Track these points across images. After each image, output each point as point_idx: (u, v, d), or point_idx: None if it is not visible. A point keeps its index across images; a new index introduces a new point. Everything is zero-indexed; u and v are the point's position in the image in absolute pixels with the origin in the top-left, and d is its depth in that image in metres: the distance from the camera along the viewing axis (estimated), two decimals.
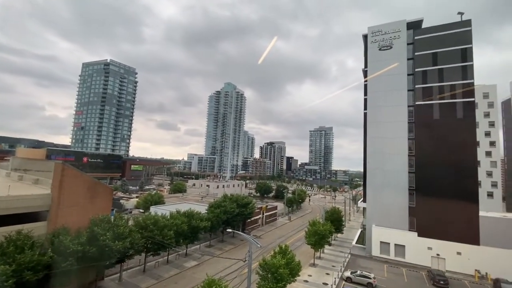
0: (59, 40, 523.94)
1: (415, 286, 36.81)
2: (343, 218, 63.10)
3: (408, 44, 51.45)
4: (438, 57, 48.55)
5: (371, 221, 50.05)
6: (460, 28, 47.15)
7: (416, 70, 50.00)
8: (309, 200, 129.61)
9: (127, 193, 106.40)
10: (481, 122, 67.43)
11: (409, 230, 46.66)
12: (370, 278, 35.71)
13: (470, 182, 43.72)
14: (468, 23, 46.79)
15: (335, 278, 36.35)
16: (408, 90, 50.30)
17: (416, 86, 49.59)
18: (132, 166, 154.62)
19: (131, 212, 68.91)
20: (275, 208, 79.09)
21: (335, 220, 55.12)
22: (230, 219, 50.27)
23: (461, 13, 47.88)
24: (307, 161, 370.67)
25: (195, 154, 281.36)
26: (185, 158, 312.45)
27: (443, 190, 44.80)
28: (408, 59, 51.11)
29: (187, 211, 43.36)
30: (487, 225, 41.91)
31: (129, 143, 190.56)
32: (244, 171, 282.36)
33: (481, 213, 43.00)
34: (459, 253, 42.20)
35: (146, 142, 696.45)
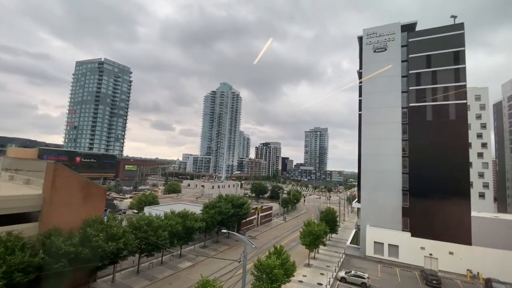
0: (52, 38, 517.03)
1: (408, 286, 37.19)
2: (338, 219, 63.42)
3: (402, 46, 52.07)
4: (432, 59, 49.25)
5: (365, 221, 50.44)
6: (453, 31, 47.90)
7: (410, 72, 50.63)
8: (304, 200, 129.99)
9: (121, 194, 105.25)
10: (473, 124, 68.50)
11: (403, 230, 47.16)
12: (364, 278, 35.97)
13: (462, 183, 44.40)
14: (461, 26, 47.56)
15: (329, 278, 36.51)
16: (402, 92, 50.89)
17: (410, 88, 50.21)
18: (126, 166, 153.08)
19: (124, 213, 68.17)
20: (270, 208, 79.11)
21: (330, 221, 55.34)
22: (225, 219, 50.11)
23: (454, 16, 48.64)
24: (302, 161, 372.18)
25: (190, 154, 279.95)
26: (180, 158, 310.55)
27: (436, 191, 45.40)
28: (402, 61, 51.72)
29: (182, 211, 43.06)
30: (479, 225, 42.59)
31: (123, 143, 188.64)
32: (239, 172, 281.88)
33: (473, 214, 43.68)
34: (451, 253, 42.80)
35: (140, 142, 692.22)
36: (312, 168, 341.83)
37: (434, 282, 36.69)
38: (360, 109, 54.98)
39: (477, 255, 41.11)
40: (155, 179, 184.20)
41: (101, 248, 25.81)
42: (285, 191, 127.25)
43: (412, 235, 45.84)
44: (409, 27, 52.45)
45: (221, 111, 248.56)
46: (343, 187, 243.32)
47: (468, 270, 41.25)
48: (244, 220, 59.72)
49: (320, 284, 35.56)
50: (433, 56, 49.16)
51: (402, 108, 50.56)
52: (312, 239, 41.55)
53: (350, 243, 54.52)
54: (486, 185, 67.24)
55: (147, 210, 55.16)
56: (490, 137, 72.96)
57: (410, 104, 49.78)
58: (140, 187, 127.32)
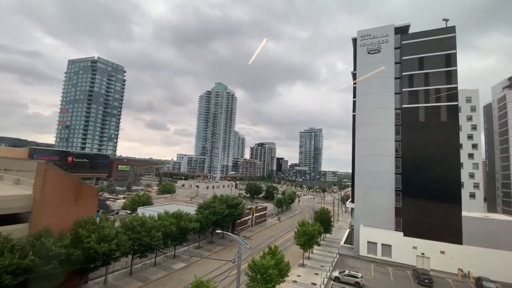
0: (44, 35, 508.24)
1: (401, 285, 37.62)
2: (332, 219, 63.81)
3: (395, 48, 52.71)
4: (424, 61, 49.99)
5: (359, 221, 50.86)
6: (445, 34, 48.69)
7: (403, 74, 51.28)
8: (299, 200, 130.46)
9: (114, 194, 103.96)
10: (464, 125, 69.71)
11: (396, 230, 47.70)
12: (357, 278, 36.24)
13: (453, 183, 45.15)
14: (452, 29, 48.38)
15: (323, 278, 36.69)
16: (395, 93, 51.52)
17: (403, 90, 50.85)
18: (119, 166, 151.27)
19: (117, 213, 67.40)
20: (265, 208, 79.16)
21: (324, 221, 55.63)
22: (220, 220, 49.93)
23: (446, 20, 49.45)
24: (297, 162, 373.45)
25: (185, 155, 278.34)
26: (175, 159, 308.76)
27: (428, 191, 46.06)
28: (396, 63, 52.36)
29: (176, 212, 42.75)
30: (470, 225, 43.36)
31: (116, 143, 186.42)
32: (234, 172, 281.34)
33: (464, 213, 44.46)
34: (442, 252, 43.46)
35: (134, 142, 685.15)
36: (306, 168, 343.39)
37: (426, 281, 37.20)
38: (354, 110, 55.46)
39: (468, 254, 41.83)
40: (149, 180, 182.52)
41: (93, 250, 25.44)
42: (279, 191, 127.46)
43: (405, 235, 46.40)
44: (402, 30, 53.14)
45: (216, 111, 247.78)
46: (337, 187, 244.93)
47: (459, 269, 41.93)
48: (238, 221, 59.61)
49: (314, 284, 35.70)
50: (425, 58, 49.90)
51: (395, 109, 51.17)
52: (307, 239, 41.71)
53: (344, 243, 54.89)
54: (476, 186, 68.51)
55: (140, 210, 54.60)
56: (481, 138, 74.35)
57: (403, 106, 50.42)
58: (133, 188, 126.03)
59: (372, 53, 54.32)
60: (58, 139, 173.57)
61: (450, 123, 46.51)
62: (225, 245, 50.95)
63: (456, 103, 46.79)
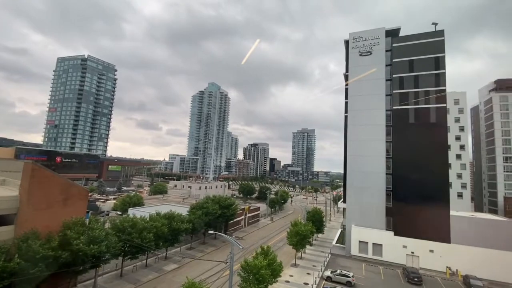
0: (31, 32, 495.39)
1: (391, 284, 38.19)
2: (324, 219, 64.36)
3: (386, 50, 53.55)
4: (414, 64, 50.98)
5: (351, 221, 51.40)
6: (434, 37, 49.79)
7: (394, 76, 52.16)
8: (291, 201, 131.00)
9: (104, 195, 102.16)
10: (452, 126, 71.34)
11: (386, 230, 48.42)
12: (349, 277, 36.62)
13: (442, 183, 46.14)
14: (441, 33, 49.50)
15: (315, 277, 36.91)
16: (386, 95, 52.35)
17: (394, 91, 51.70)
18: (109, 166, 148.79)
19: (108, 215, 66.24)
20: (258, 209, 79.18)
21: (316, 221, 56.07)
22: (212, 220, 49.69)
23: (435, 24, 50.57)
24: (290, 162, 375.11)
25: (177, 155, 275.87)
26: (167, 159, 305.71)
27: (417, 191, 46.94)
28: (387, 65, 53.20)
29: (168, 213, 42.33)
30: (457, 224, 44.40)
31: (107, 143, 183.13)
32: (227, 172, 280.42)
33: (451, 213, 45.47)
34: (431, 251, 44.34)
35: (125, 141, 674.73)
36: (299, 168, 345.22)
37: (416, 279, 37.90)
38: (346, 111, 56.05)
39: (456, 253, 42.79)
40: (140, 180, 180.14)
41: (82, 252, 24.90)
42: (272, 192, 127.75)
43: (395, 234, 47.15)
44: (393, 33, 54.07)
45: (209, 111, 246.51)
46: (330, 188, 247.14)
47: (447, 267, 42.86)
48: (231, 221, 59.41)
49: (306, 283, 35.89)
50: (415, 61, 50.90)
51: (386, 110, 51.99)
52: (299, 239, 41.91)
53: (336, 243, 55.35)
54: (464, 186, 70.17)
55: (131, 211, 53.86)
56: (468, 139, 76.18)
57: (394, 107, 51.27)
58: (124, 188, 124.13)
59: (364, 55, 55.05)
60: (46, 139, 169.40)
61: (439, 124, 47.54)
62: (218, 246, 50.70)
63: (444, 105, 47.85)
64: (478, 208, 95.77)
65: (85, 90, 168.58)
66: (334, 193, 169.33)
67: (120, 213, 63.04)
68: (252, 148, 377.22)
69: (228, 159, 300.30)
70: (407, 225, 46.69)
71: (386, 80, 52.75)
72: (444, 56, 48.81)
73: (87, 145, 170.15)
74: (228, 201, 56.25)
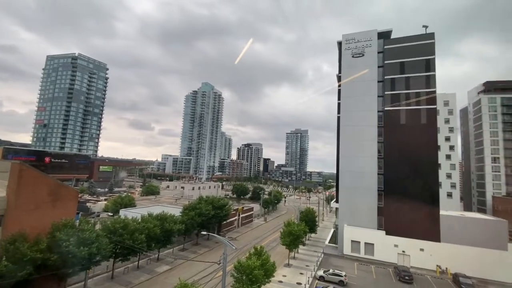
0: (20, 29, 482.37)
1: (382, 282, 38.68)
2: (317, 218, 64.74)
3: (378, 52, 54.30)
4: (405, 66, 51.85)
5: (343, 221, 51.87)
6: (425, 40, 50.74)
7: (386, 77, 52.92)
8: (285, 201, 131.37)
9: (95, 196, 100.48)
10: (442, 127, 72.80)
11: (378, 229, 49.04)
12: (341, 276, 36.93)
13: (432, 183, 47.05)
14: (431, 35, 50.47)
15: (308, 277, 37.09)
16: (378, 96, 53.06)
17: (385, 93, 52.45)
18: (100, 167, 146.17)
19: (98, 216, 65.15)
20: (251, 209, 79.12)
21: (309, 221, 56.37)
22: (205, 221, 49.39)
23: (425, 26, 51.54)
24: (283, 162, 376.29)
25: (170, 155, 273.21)
26: (159, 159, 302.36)
27: (408, 191, 47.74)
28: (379, 66, 53.96)
29: (160, 214, 41.89)
30: (447, 223, 45.31)
31: (97, 143, 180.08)
32: (220, 173, 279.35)
33: (441, 212, 46.40)
34: (422, 250, 45.11)
35: (117, 141, 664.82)
36: (293, 169, 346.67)
37: (407, 278, 38.50)
38: (339, 112, 56.54)
39: (446, 252, 43.65)
40: (132, 181, 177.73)
41: (72, 254, 24.40)
42: (266, 192, 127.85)
43: (387, 234, 47.79)
44: (385, 35, 54.85)
45: (203, 111, 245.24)
46: (323, 188, 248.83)
47: (437, 265, 43.67)
48: (224, 222, 59.17)
49: (299, 283, 36.02)
50: (406, 63, 51.77)
51: (378, 111, 52.69)
52: (292, 239, 42.04)
53: (328, 242, 55.77)
54: (453, 185, 71.63)
55: (122, 212, 53.09)
56: (457, 140, 77.89)
57: (385, 108, 52.00)
58: (116, 189, 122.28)
59: (356, 57, 55.66)
60: (34, 139, 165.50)
61: (429, 125, 48.45)
62: (211, 246, 50.43)
63: (434, 106, 48.82)
64: (467, 207, 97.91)
65: (76, 89, 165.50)
66: (327, 193, 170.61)
67: (111, 214, 62.22)
68: (246, 148, 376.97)
69: (221, 159, 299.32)
70: (398, 224, 47.39)
71: (378, 81, 53.47)
72: (434, 58, 49.78)
73: (77, 145, 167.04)
74: (221, 201, 56.02)
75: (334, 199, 67.86)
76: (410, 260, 45.49)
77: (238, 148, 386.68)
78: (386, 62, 53.30)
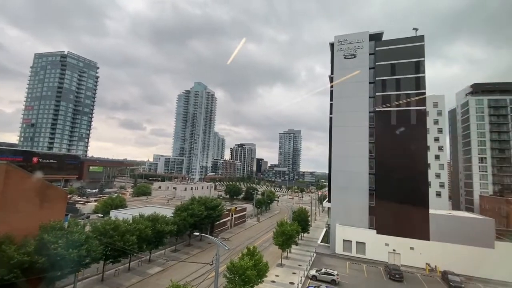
0: (7, 26, 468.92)
1: (373, 280, 39.24)
2: (310, 218, 65.15)
3: (370, 54, 55.09)
4: (396, 68, 52.78)
5: (335, 220, 52.38)
6: (415, 42, 51.75)
7: (377, 78, 53.72)
8: (278, 201, 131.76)
9: (85, 197, 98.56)
10: (431, 128, 74.28)
11: (369, 228, 49.70)
12: (333, 275, 37.28)
13: (421, 183, 48.00)
14: (421, 38, 51.51)
15: (301, 277, 37.29)
16: (370, 97, 53.82)
17: (377, 94, 53.26)
18: (90, 167, 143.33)
19: (88, 217, 63.92)
20: (244, 209, 79.05)
21: (302, 220, 56.68)
22: (198, 222, 49.08)
23: (415, 29, 52.52)
24: (276, 162, 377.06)
25: (162, 155, 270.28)
26: (151, 159, 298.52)
27: (398, 190, 48.60)
28: (370, 68, 54.74)
29: (152, 215, 41.40)
30: (436, 222, 46.27)
31: (88, 143, 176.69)
32: (213, 173, 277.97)
33: (431, 211, 47.34)
34: (412, 248, 45.95)
35: (107, 141, 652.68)
36: (286, 169, 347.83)
37: (397, 276, 39.16)
38: (331, 113, 57.10)
39: (435, 250, 44.58)
40: (123, 181, 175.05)
41: (60, 256, 23.86)
42: (259, 192, 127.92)
43: (378, 233, 48.50)
44: (377, 37, 55.67)
45: (195, 111, 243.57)
46: (315, 188, 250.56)
47: (427, 263, 44.55)
48: (217, 222, 58.93)
49: (292, 283, 36.18)
50: (397, 65, 52.70)
51: (370, 112, 53.44)
52: (285, 239, 42.19)
53: (321, 242, 56.21)
54: (442, 185, 73.21)
55: (113, 214, 52.22)
56: (446, 141, 79.57)
57: (376, 109, 52.78)
58: (106, 190, 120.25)
59: (348, 58, 56.33)
60: (22, 138, 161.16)
61: (419, 126, 49.42)
62: (203, 247, 50.15)
63: (424, 107, 49.81)
64: (456, 206, 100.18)
65: (65, 87, 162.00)
66: (319, 193, 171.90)
67: (102, 215, 61.10)
68: (239, 148, 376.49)
69: (214, 159, 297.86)
70: (389, 223, 48.15)
71: (370, 82, 54.23)
72: (424, 60, 50.80)
73: (66, 145, 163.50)
74: (214, 202, 55.78)
75: (327, 199, 68.49)
76: (400, 259, 46.26)
77: (231, 148, 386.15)
78: (377, 63, 54.12)
